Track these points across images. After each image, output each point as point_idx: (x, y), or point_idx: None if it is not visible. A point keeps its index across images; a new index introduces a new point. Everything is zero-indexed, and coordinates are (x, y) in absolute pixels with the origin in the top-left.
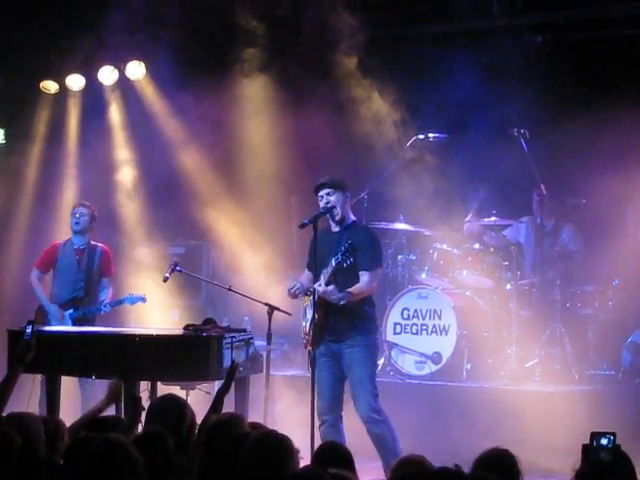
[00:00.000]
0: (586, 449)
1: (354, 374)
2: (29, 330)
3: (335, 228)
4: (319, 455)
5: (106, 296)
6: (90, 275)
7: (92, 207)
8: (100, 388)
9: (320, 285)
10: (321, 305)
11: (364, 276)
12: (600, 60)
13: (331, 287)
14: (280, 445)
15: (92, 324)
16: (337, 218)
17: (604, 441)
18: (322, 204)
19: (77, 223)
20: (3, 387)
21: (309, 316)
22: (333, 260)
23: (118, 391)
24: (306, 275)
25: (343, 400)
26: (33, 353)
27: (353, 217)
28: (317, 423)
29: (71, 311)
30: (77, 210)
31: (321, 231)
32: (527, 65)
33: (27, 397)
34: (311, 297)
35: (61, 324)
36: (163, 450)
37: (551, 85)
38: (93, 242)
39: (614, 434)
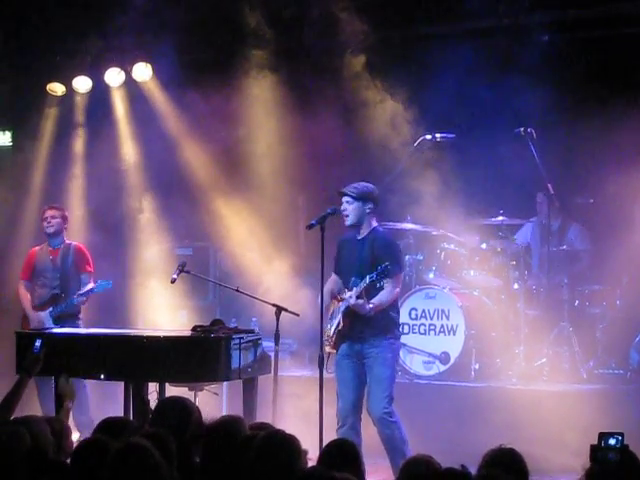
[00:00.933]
0: (594, 449)
1: (374, 372)
2: (38, 344)
3: (358, 236)
4: (326, 453)
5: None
6: (65, 272)
7: (61, 208)
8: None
9: (352, 297)
10: (348, 313)
11: (387, 284)
12: (609, 59)
13: (361, 301)
14: (287, 445)
15: (74, 321)
16: (349, 224)
17: (612, 441)
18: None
19: (49, 227)
20: (11, 396)
21: (335, 321)
22: (367, 278)
23: (64, 390)
24: (334, 280)
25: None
26: (40, 366)
27: (375, 224)
28: (328, 423)
29: (50, 309)
30: (47, 214)
31: (348, 238)
32: (535, 64)
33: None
34: (340, 303)
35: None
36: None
37: (559, 84)
38: (68, 241)
39: (622, 434)
